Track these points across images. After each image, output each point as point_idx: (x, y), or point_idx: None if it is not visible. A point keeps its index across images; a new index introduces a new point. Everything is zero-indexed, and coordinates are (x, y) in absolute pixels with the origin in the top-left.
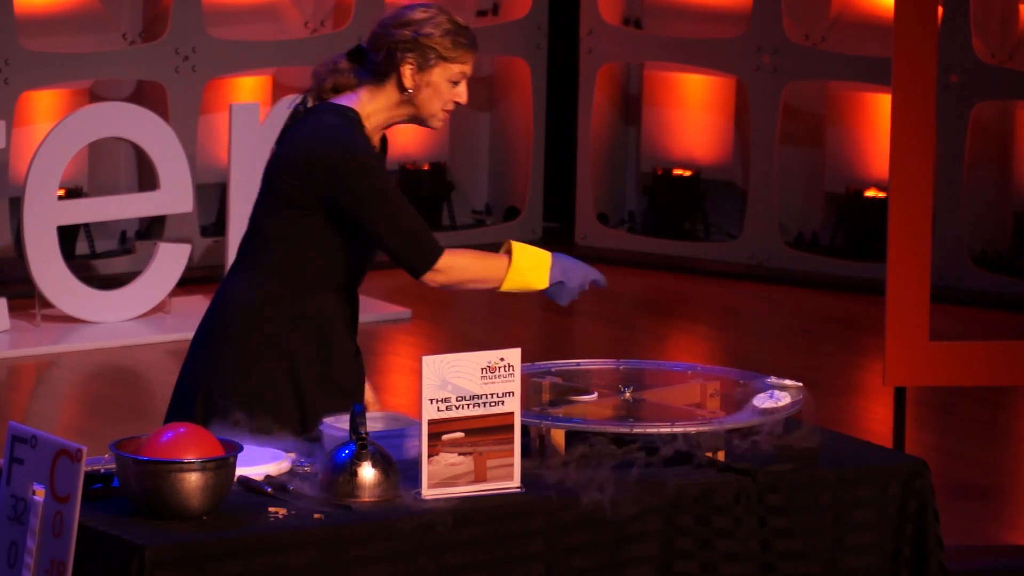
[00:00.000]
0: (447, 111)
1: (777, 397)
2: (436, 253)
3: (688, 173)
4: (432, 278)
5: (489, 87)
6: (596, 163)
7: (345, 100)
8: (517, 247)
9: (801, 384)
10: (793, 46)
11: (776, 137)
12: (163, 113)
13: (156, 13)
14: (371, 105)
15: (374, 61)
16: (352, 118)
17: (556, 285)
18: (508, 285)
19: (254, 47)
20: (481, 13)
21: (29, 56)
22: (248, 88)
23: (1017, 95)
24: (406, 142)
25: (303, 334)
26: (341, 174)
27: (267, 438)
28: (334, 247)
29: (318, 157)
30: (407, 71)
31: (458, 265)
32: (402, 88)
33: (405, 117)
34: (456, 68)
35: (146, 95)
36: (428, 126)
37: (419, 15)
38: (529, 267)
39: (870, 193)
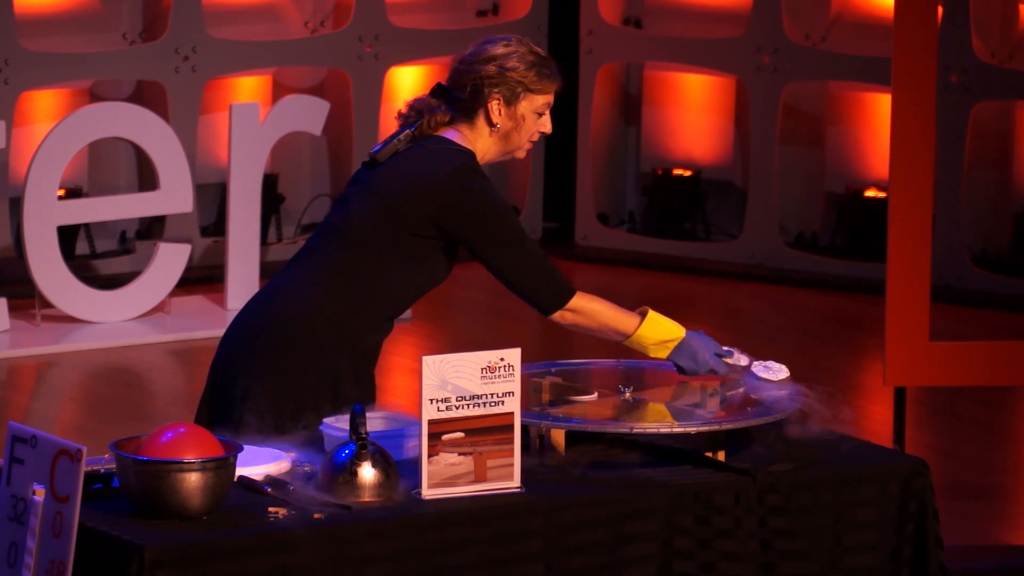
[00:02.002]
0: (533, 142)
1: (771, 367)
2: (570, 293)
3: (688, 173)
4: (563, 316)
5: None
6: (596, 163)
7: (453, 138)
8: (651, 319)
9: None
10: (793, 46)
11: (776, 137)
12: (163, 113)
13: (156, 13)
14: (476, 144)
15: (459, 99)
16: (474, 158)
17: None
18: (630, 343)
19: (254, 47)
20: (481, 13)
21: (29, 56)
22: (248, 88)
23: (1017, 95)
24: None
25: (352, 352)
26: (477, 214)
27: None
28: (419, 278)
29: (455, 195)
30: (495, 106)
31: (592, 309)
32: (491, 123)
33: (497, 154)
34: (541, 99)
35: (146, 95)
36: (513, 157)
37: (501, 49)
38: (653, 341)
39: (870, 193)
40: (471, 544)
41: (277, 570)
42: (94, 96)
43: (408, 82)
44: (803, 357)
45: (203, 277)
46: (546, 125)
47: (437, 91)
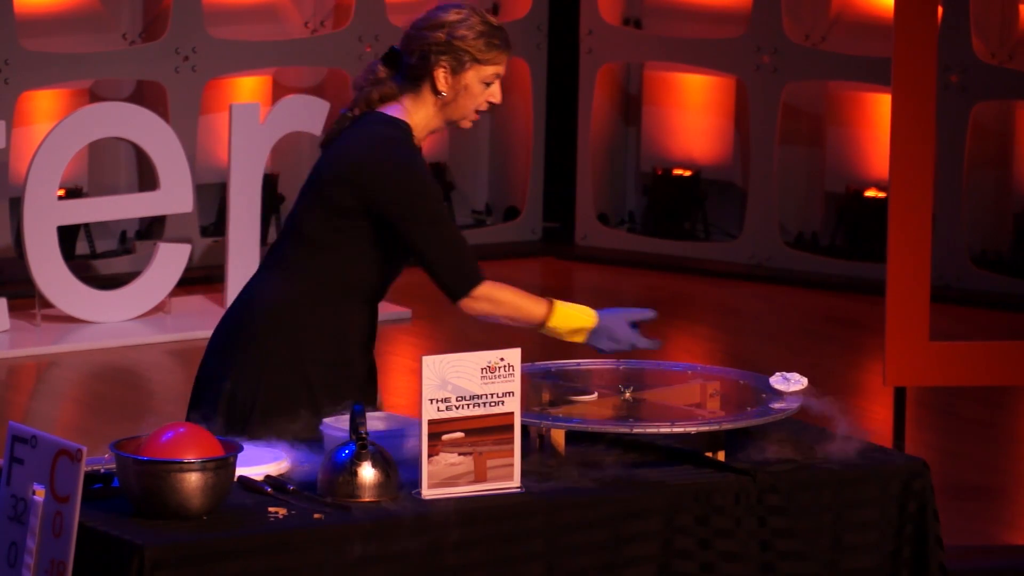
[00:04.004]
0: (480, 111)
1: (790, 378)
2: (476, 280)
3: (688, 173)
4: (469, 304)
5: None
6: (596, 163)
7: (392, 111)
8: (559, 313)
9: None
10: (793, 46)
11: (776, 137)
12: (163, 113)
13: (156, 13)
14: (417, 115)
15: (408, 64)
16: (405, 130)
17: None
18: (546, 331)
19: (254, 47)
20: None
21: (29, 56)
22: (248, 88)
23: (1017, 95)
24: None
25: (322, 345)
26: (393, 187)
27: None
28: (372, 259)
29: (373, 168)
30: (440, 75)
31: (497, 297)
32: (436, 91)
33: (442, 122)
34: (490, 70)
35: (146, 95)
36: (459, 126)
37: (452, 16)
38: (566, 330)
39: (870, 193)
40: (471, 544)
41: (277, 570)
42: (94, 96)
43: None
44: (803, 357)
45: (203, 277)
46: (495, 95)
47: (389, 55)
